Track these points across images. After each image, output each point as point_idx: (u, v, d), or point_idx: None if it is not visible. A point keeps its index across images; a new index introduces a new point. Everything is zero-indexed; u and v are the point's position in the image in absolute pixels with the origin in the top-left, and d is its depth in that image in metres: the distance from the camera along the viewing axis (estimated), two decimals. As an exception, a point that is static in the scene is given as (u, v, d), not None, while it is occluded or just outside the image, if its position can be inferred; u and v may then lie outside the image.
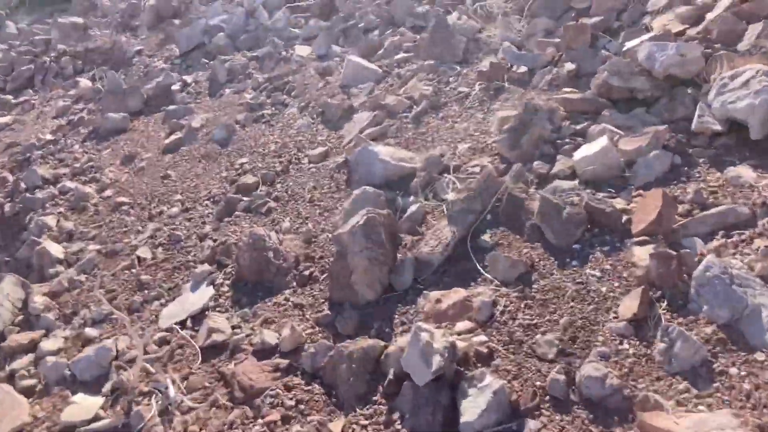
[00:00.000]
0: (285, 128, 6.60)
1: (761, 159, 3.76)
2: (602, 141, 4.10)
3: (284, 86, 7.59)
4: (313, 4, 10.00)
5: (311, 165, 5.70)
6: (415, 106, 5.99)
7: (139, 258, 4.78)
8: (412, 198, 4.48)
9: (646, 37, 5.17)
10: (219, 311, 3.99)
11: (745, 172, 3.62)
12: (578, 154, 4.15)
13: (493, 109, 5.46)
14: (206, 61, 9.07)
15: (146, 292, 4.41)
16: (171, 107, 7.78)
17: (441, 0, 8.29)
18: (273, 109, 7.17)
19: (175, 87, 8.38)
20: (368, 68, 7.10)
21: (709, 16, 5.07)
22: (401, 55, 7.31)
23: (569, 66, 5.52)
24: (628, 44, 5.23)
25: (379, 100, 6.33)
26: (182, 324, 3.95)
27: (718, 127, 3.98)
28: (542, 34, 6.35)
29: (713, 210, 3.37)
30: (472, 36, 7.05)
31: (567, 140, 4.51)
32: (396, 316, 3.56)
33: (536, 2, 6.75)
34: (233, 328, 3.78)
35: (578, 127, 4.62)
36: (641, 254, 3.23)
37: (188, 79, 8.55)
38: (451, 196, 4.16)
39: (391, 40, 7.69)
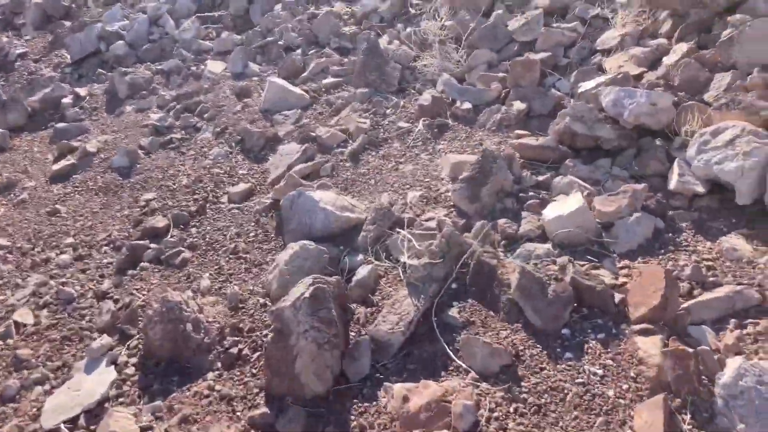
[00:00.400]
0: (199, 157, 5.78)
1: (751, 228, 3.41)
2: (576, 200, 3.63)
3: (195, 106, 6.75)
4: (226, 15, 9.17)
5: (232, 205, 4.93)
6: (350, 141, 5.35)
7: (16, 323, 3.82)
8: (360, 257, 3.83)
9: (602, 79, 4.81)
10: (123, 403, 3.16)
11: (739, 243, 3.25)
12: (549, 213, 3.66)
13: (439, 150, 4.91)
14: (103, 71, 8.03)
15: (25, 373, 3.48)
16: (61, 125, 6.71)
17: (368, 21, 7.72)
18: (183, 133, 6.31)
19: (66, 100, 7.31)
20: (293, 92, 6.40)
21: (667, 60, 4.78)
22: (330, 79, 6.66)
23: (519, 105, 5.07)
24: (583, 85, 4.85)
25: (308, 130, 5.64)
26: (73, 422, 3.10)
27: (700, 189, 3.62)
28: (484, 68, 5.90)
29: (718, 293, 2.96)
30: (407, 64, 6.52)
31: (531, 193, 4.03)
32: (353, 417, 2.90)
33: (476, 32, 6.30)
34: (143, 430, 2.97)
35: (540, 178, 4.16)
36: (647, 347, 2.75)
37: (81, 91, 7.49)
38: (409, 259, 3.54)
39: (317, 62, 7.02)
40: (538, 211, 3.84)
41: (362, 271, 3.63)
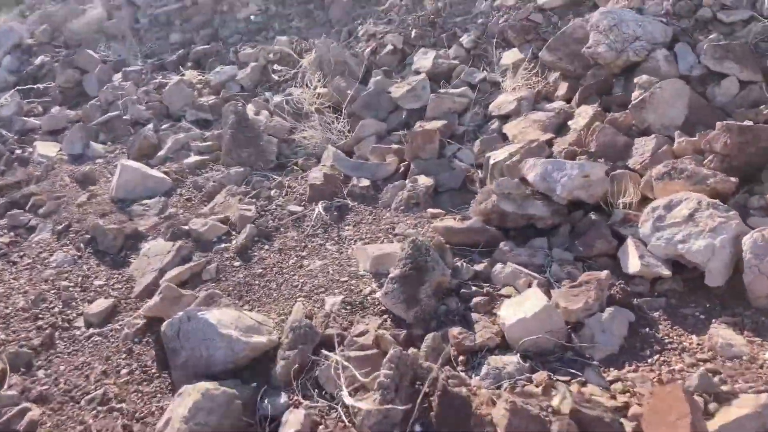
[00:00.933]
0: (37, 266, 4.56)
1: (732, 314, 3.00)
2: (537, 298, 3.05)
3: (26, 200, 5.49)
4: (53, 88, 7.88)
5: (91, 330, 3.82)
6: (234, 233, 4.45)
7: None
8: (283, 397, 2.94)
9: (513, 148, 4.36)
10: None
11: (732, 337, 2.81)
12: (508, 316, 3.03)
13: (345, 238, 4.17)
14: None
15: None
16: None
17: (227, 90, 6.89)
18: (12, 235, 5.04)
19: None
20: (151, 176, 5.38)
21: (574, 124, 4.44)
22: (193, 158, 5.71)
23: (425, 180, 4.48)
24: (493, 156, 4.37)
25: (179, 222, 4.66)
26: None
27: (665, 272, 3.19)
28: (374, 139, 5.28)
29: (743, 407, 2.45)
30: (284, 136, 5.76)
31: (473, 288, 3.40)
32: None
33: (357, 100, 5.69)
34: None
35: (478, 267, 3.55)
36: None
37: None
38: (351, 397, 2.73)
39: (174, 138, 6.05)
40: (489, 311, 3.21)
41: (292, 420, 2.75)
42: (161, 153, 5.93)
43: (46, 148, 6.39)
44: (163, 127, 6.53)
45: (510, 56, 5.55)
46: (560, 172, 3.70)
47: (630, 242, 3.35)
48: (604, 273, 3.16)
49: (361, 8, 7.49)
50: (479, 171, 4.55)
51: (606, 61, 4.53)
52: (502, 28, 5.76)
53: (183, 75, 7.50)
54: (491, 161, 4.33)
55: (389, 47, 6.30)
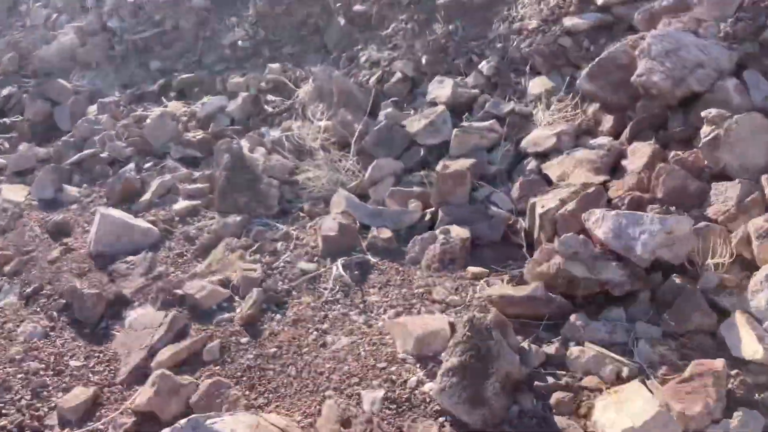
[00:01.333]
0: (0, 342, 3.77)
1: None
2: (643, 400, 2.40)
3: (-11, 255, 4.68)
4: (21, 123, 7.08)
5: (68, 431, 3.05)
6: (238, 299, 3.72)
7: None
8: None
9: (563, 193, 3.72)
10: None
11: None
12: (610, 425, 2.35)
13: (373, 305, 3.46)
14: None
15: None
16: None
17: (217, 124, 6.18)
18: (-28, 299, 4.23)
19: None
20: (135, 226, 4.62)
21: (631, 165, 3.82)
22: (182, 203, 4.97)
23: (460, 232, 3.81)
24: (541, 204, 3.72)
25: (170, 285, 3.92)
26: None
27: (795, 359, 2.52)
28: (392, 180, 4.60)
29: None
30: (284, 177, 5.05)
31: (550, 380, 2.71)
32: None
33: (368, 136, 5.01)
34: None
35: (549, 350, 2.88)
36: None
37: None
38: None
39: (160, 180, 5.30)
40: (576, 412, 2.52)
41: None
42: (145, 197, 5.17)
43: (13, 192, 5.59)
44: (146, 166, 5.78)
45: (538, 84, 4.93)
46: (637, 227, 3.05)
47: (739, 318, 2.71)
48: (720, 363, 2.50)
49: (360, 32, 6.82)
50: (521, 219, 3.89)
51: (661, 91, 3.92)
52: (527, 53, 5.14)
53: (166, 106, 6.76)
54: (539, 209, 3.67)
55: (398, 75, 5.65)
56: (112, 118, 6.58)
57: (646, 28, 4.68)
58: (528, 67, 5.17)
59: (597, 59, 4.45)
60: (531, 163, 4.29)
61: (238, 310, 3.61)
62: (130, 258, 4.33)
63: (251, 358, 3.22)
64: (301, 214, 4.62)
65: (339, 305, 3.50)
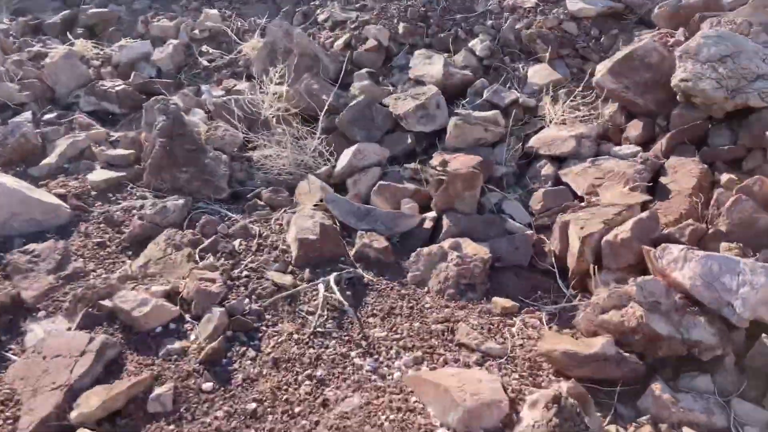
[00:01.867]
0: None
1: None
2: None
3: None
4: None
5: None
6: (191, 321, 2.75)
7: None
8: None
9: (607, 213, 3.04)
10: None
11: None
12: None
13: (378, 342, 2.62)
14: None
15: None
16: None
17: (139, 74, 4.99)
18: None
19: None
20: (37, 201, 3.52)
21: (673, 185, 3.21)
22: (101, 173, 3.90)
23: (477, 250, 3.04)
24: (578, 223, 3.02)
25: (93, 292, 2.86)
26: None
27: None
28: (377, 172, 3.74)
29: None
30: (234, 151, 4.04)
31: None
32: None
33: (344, 112, 4.10)
34: None
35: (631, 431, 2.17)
36: None
37: None
38: None
39: (71, 140, 4.18)
40: None
41: None
42: (49, 160, 3.98)
43: None
44: (47, 117, 4.53)
45: (541, 73, 4.22)
46: (735, 276, 2.42)
47: None
48: None
49: (319, -15, 5.80)
50: (547, 239, 3.17)
51: (709, 101, 3.32)
52: (526, 36, 4.41)
53: (72, 45, 5.42)
54: (575, 230, 2.96)
55: (371, 42, 4.72)
56: (0, 51, 5.15)
57: (667, 25, 4.10)
58: (520, 51, 4.46)
59: (622, 54, 3.79)
60: (545, 168, 3.58)
61: (192, 337, 2.64)
62: (31, 246, 3.18)
63: (221, 416, 2.29)
64: (260, 202, 3.65)
65: (333, 340, 2.63)
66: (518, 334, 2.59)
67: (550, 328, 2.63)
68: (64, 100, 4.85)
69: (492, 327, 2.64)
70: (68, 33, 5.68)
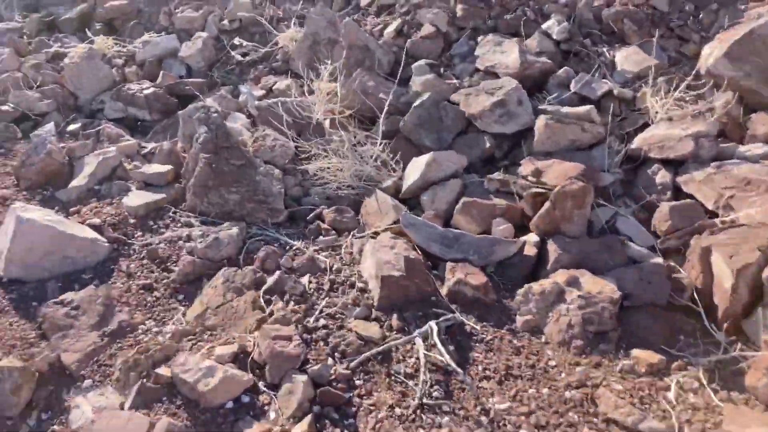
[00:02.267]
0: None
1: None
2: None
3: None
4: None
5: None
6: (266, 389, 2.23)
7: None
8: None
9: (759, 238, 2.45)
10: None
11: None
12: None
13: (500, 416, 2.09)
14: None
15: None
16: None
17: (167, 73, 4.42)
18: None
19: None
20: (72, 237, 2.97)
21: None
22: (138, 196, 3.35)
23: (602, 287, 2.48)
24: (722, 251, 2.45)
25: (147, 357, 2.34)
26: None
27: None
28: (458, 186, 3.16)
29: None
30: (285, 164, 3.49)
31: None
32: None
33: (409, 114, 3.51)
34: None
35: None
36: None
37: None
38: None
39: (101, 157, 3.64)
40: None
41: None
42: (78, 182, 3.44)
43: None
44: (71, 128, 3.98)
45: (631, 58, 3.61)
46: None
47: None
48: None
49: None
50: (678, 265, 2.60)
51: None
52: (608, 15, 3.78)
53: (92, 42, 4.85)
54: (722, 259, 2.39)
55: (428, 29, 4.11)
56: (15, 54, 4.60)
57: (783, -5, 3.44)
58: (602, 33, 3.84)
59: (741, 34, 3.15)
60: (660, 174, 2.99)
61: (272, 415, 2.11)
62: (69, 296, 2.66)
63: None
64: (322, 225, 3.10)
65: (446, 416, 2.09)
66: (679, 403, 2.04)
67: (715, 392, 2.08)
68: (88, 107, 4.31)
69: (643, 394, 2.09)
70: (86, 29, 5.10)
